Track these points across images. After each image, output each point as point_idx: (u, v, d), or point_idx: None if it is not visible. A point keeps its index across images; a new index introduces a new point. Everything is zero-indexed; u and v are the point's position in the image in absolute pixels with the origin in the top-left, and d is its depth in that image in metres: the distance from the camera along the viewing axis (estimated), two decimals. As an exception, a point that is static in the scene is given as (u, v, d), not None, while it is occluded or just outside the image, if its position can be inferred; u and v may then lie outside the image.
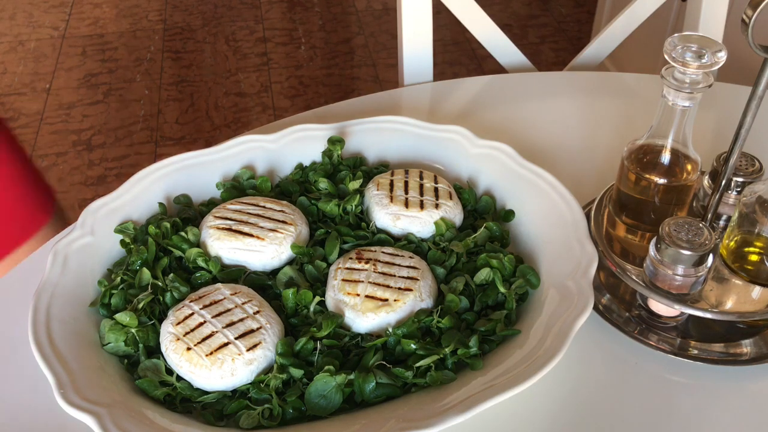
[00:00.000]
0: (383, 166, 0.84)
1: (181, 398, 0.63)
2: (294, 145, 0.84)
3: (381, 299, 0.66)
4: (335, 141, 0.83)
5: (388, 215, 0.75)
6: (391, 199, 0.76)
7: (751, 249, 0.70)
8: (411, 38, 1.06)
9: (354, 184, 0.79)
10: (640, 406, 0.65)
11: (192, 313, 0.65)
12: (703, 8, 1.06)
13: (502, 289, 0.68)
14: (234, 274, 0.71)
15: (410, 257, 0.70)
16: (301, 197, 0.80)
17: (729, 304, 0.68)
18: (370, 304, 0.66)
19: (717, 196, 0.71)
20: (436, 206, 0.75)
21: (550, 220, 0.75)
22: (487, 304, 0.69)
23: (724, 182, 0.70)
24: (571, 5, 2.88)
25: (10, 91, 2.48)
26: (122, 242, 0.74)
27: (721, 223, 0.76)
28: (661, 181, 0.70)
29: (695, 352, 0.69)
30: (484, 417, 0.59)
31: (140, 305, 0.67)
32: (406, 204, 0.75)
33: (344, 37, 2.75)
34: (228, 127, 2.35)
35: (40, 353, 0.62)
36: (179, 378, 0.64)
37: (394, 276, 0.67)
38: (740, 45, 0.63)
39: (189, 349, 0.63)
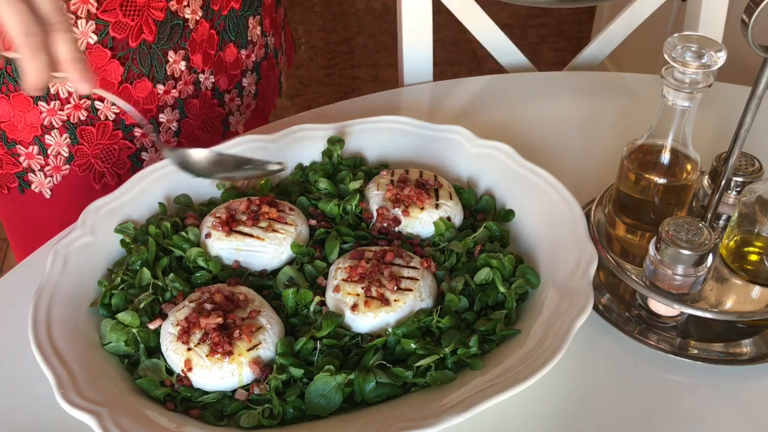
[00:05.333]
0: (383, 166, 0.84)
1: (181, 398, 0.64)
2: (294, 145, 0.84)
3: (381, 299, 0.66)
4: (335, 141, 0.83)
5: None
6: (391, 199, 0.76)
7: (751, 249, 0.70)
8: (411, 38, 1.06)
9: (354, 184, 0.79)
10: (640, 405, 0.65)
11: (192, 313, 0.65)
12: (703, 8, 1.06)
13: (501, 289, 0.68)
14: (234, 274, 0.71)
15: (410, 257, 0.70)
16: (301, 197, 0.80)
17: (729, 304, 0.68)
18: (370, 303, 0.66)
19: (717, 196, 0.71)
20: (436, 206, 0.75)
21: (550, 220, 0.75)
22: (487, 303, 0.69)
23: (723, 182, 0.70)
24: (571, 5, 2.88)
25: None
26: (122, 242, 0.74)
27: (721, 223, 0.76)
28: (661, 180, 0.71)
29: (695, 351, 0.69)
30: (484, 417, 0.59)
31: (141, 305, 0.67)
32: (406, 204, 0.75)
33: (344, 37, 2.75)
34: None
35: (40, 353, 0.62)
36: (179, 378, 0.64)
37: (394, 276, 0.67)
38: (740, 45, 0.63)
39: (189, 349, 0.63)
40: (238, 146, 0.83)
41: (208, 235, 0.73)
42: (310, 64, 2.63)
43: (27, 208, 0.88)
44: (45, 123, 0.82)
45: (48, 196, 0.87)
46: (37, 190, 0.86)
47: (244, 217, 0.73)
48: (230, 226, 0.73)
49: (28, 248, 0.83)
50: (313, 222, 0.77)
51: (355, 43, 2.72)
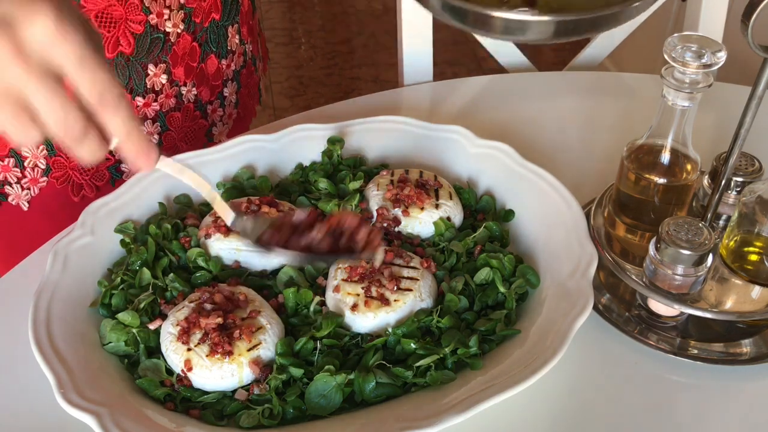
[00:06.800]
0: (383, 166, 0.84)
1: (181, 398, 0.64)
2: (294, 145, 0.84)
3: (381, 299, 0.66)
4: (335, 141, 0.83)
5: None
6: (391, 199, 0.76)
7: (751, 249, 0.70)
8: (411, 38, 1.06)
9: (354, 184, 0.79)
10: (640, 405, 0.65)
11: (192, 313, 0.65)
12: (703, 8, 1.06)
13: (501, 289, 0.68)
14: (234, 274, 0.71)
15: (410, 257, 0.70)
16: (301, 197, 0.80)
17: (729, 304, 0.68)
18: (370, 303, 0.66)
19: (717, 196, 0.71)
20: (436, 206, 0.75)
21: (550, 220, 0.75)
22: (487, 303, 0.69)
23: (723, 182, 0.70)
24: (571, 5, 2.88)
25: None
26: (122, 242, 0.74)
27: (721, 222, 0.76)
28: (661, 180, 0.70)
29: (695, 351, 0.69)
30: (484, 417, 0.59)
31: (141, 305, 0.67)
32: (406, 204, 0.75)
33: (344, 37, 2.75)
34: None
35: (40, 353, 0.62)
36: (179, 378, 0.64)
37: (394, 276, 0.67)
38: (740, 45, 0.63)
39: (189, 349, 0.63)
40: (239, 146, 0.83)
41: (207, 236, 0.73)
42: (310, 64, 2.62)
43: (3, 221, 0.87)
44: None
45: (26, 209, 0.85)
46: (14, 203, 0.85)
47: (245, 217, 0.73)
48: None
49: (4, 261, 0.82)
50: (313, 222, 0.77)
51: (355, 43, 2.72)
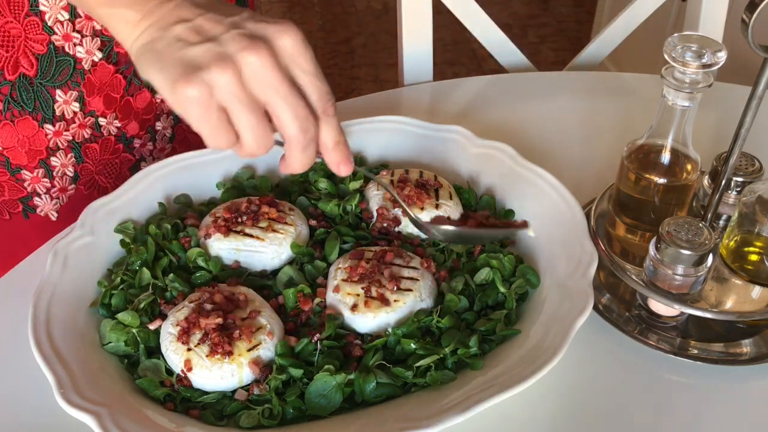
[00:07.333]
0: (383, 166, 0.84)
1: (181, 398, 0.64)
2: (294, 145, 0.84)
3: (381, 299, 0.66)
4: (335, 141, 0.83)
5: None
6: (391, 199, 0.76)
7: (751, 249, 0.70)
8: (411, 38, 1.06)
9: (354, 184, 0.79)
10: (640, 405, 0.66)
11: (192, 314, 0.65)
12: (703, 8, 1.06)
13: (502, 289, 0.68)
14: (234, 274, 0.71)
15: (410, 257, 0.70)
16: (301, 197, 0.80)
17: (729, 304, 0.68)
18: (370, 304, 0.66)
19: (717, 196, 0.71)
20: (436, 206, 0.75)
21: (550, 220, 0.75)
22: (487, 303, 0.69)
23: (724, 182, 0.70)
24: (571, 5, 2.88)
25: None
26: (122, 242, 0.74)
27: (721, 222, 0.76)
28: (661, 180, 0.71)
29: (695, 351, 0.69)
30: (484, 417, 0.59)
31: (141, 305, 0.67)
32: (407, 204, 0.75)
33: (344, 37, 2.75)
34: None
35: (40, 353, 0.62)
36: (179, 378, 0.64)
37: (394, 276, 0.67)
38: (740, 45, 0.63)
39: (189, 349, 0.63)
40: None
41: (207, 236, 0.73)
42: (310, 64, 2.62)
43: (28, 233, 0.86)
44: (50, 145, 0.81)
45: (55, 219, 0.85)
46: (42, 214, 0.84)
47: (244, 217, 0.73)
48: (230, 226, 0.73)
49: None
50: (313, 222, 0.77)
51: (355, 43, 2.72)
